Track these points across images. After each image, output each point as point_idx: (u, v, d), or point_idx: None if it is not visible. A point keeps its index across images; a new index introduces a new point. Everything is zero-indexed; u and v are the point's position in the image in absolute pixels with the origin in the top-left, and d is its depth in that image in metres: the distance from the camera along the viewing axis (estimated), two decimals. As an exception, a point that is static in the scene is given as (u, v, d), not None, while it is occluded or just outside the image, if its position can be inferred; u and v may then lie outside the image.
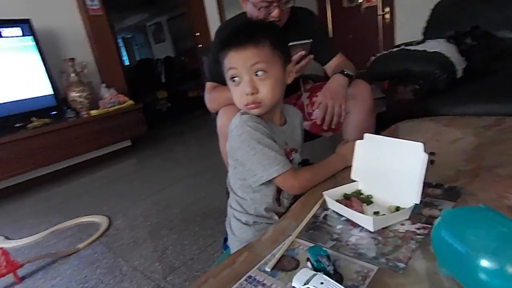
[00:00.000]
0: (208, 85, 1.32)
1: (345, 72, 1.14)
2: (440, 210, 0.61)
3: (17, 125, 2.62)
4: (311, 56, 1.10)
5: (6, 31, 2.57)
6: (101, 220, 1.85)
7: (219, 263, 0.61)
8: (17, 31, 2.62)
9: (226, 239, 1.16)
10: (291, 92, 1.44)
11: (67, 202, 2.29)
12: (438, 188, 0.69)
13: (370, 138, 0.73)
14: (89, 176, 2.82)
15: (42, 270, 1.47)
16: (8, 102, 2.58)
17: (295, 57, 1.06)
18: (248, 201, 0.86)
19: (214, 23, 3.93)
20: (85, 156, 2.97)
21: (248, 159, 0.78)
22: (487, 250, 0.38)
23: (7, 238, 1.86)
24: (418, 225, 0.58)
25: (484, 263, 0.37)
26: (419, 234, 0.56)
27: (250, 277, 0.54)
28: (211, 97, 1.29)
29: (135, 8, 7.21)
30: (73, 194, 2.43)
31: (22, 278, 1.43)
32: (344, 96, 1.10)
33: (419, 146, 0.60)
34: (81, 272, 1.42)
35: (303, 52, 1.06)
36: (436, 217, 0.58)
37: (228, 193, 0.94)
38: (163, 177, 2.47)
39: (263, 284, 0.52)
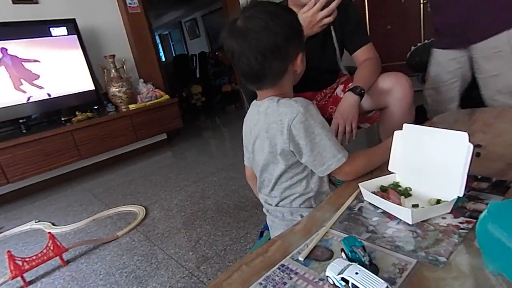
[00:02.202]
0: None
1: (358, 90, 1.13)
2: (486, 204, 0.57)
3: (63, 119, 2.80)
4: None
5: (54, 31, 2.73)
6: (138, 210, 1.93)
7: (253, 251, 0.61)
8: (63, 30, 2.78)
9: (262, 233, 1.16)
10: (327, 84, 1.42)
11: (107, 192, 2.41)
12: (484, 182, 0.64)
13: (409, 128, 0.69)
14: (128, 168, 2.95)
15: (84, 255, 1.57)
16: (56, 97, 2.76)
17: None
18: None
19: (247, 18, 3.94)
20: (124, 149, 3.11)
21: (314, 146, 0.74)
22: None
23: (53, 224, 1.99)
24: (461, 219, 0.55)
25: (537, 258, 0.35)
26: (462, 229, 0.53)
27: (283, 265, 0.54)
28: None
29: (172, 6, 7.39)
30: (113, 185, 2.56)
31: (67, 262, 1.53)
32: (354, 115, 1.11)
33: (464, 135, 0.56)
34: (120, 258, 1.49)
35: None
36: (482, 212, 0.55)
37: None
38: (198, 169, 2.53)
39: (296, 273, 0.52)
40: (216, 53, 6.23)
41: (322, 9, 1.05)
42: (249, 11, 0.74)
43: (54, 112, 2.79)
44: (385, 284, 0.41)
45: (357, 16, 1.32)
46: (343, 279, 0.44)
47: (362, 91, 1.13)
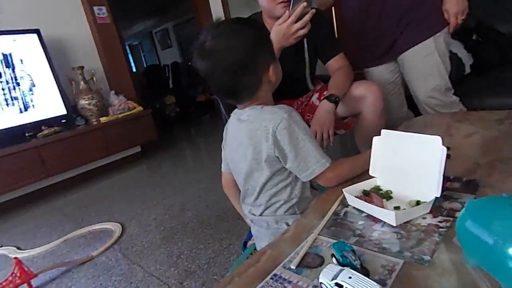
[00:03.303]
0: None
1: (333, 98, 1.18)
2: (461, 203, 0.61)
3: (28, 134, 2.66)
4: (313, 10, 1.09)
5: (17, 41, 2.60)
6: (114, 227, 1.87)
7: (241, 262, 0.61)
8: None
9: (245, 243, 1.16)
10: (303, 92, 1.46)
11: (79, 210, 2.31)
12: (456, 182, 0.69)
13: (387, 133, 0.73)
14: (101, 183, 2.84)
15: (56, 279, 1.48)
16: (18, 112, 2.60)
17: (298, 10, 1.06)
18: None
19: (219, 28, 3.97)
20: (96, 163, 3.00)
21: (299, 152, 0.75)
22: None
23: (19, 248, 1.86)
24: (440, 218, 0.59)
25: (514, 251, 0.38)
26: (441, 227, 0.56)
27: (275, 275, 0.55)
28: None
29: (142, 16, 7.29)
30: (85, 202, 2.45)
31: (36, 289, 1.43)
32: (331, 122, 1.16)
33: (437, 139, 0.61)
34: (96, 280, 1.42)
35: (305, 4, 1.06)
36: (458, 210, 0.59)
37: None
38: (175, 182, 2.48)
39: (289, 282, 0.52)
40: (189, 63, 6.19)
41: (297, 21, 1.08)
42: (215, 30, 0.76)
43: (17, 127, 2.61)
44: (378, 286, 0.42)
45: (329, 27, 1.38)
46: (337, 284, 0.45)
47: (337, 99, 1.18)
